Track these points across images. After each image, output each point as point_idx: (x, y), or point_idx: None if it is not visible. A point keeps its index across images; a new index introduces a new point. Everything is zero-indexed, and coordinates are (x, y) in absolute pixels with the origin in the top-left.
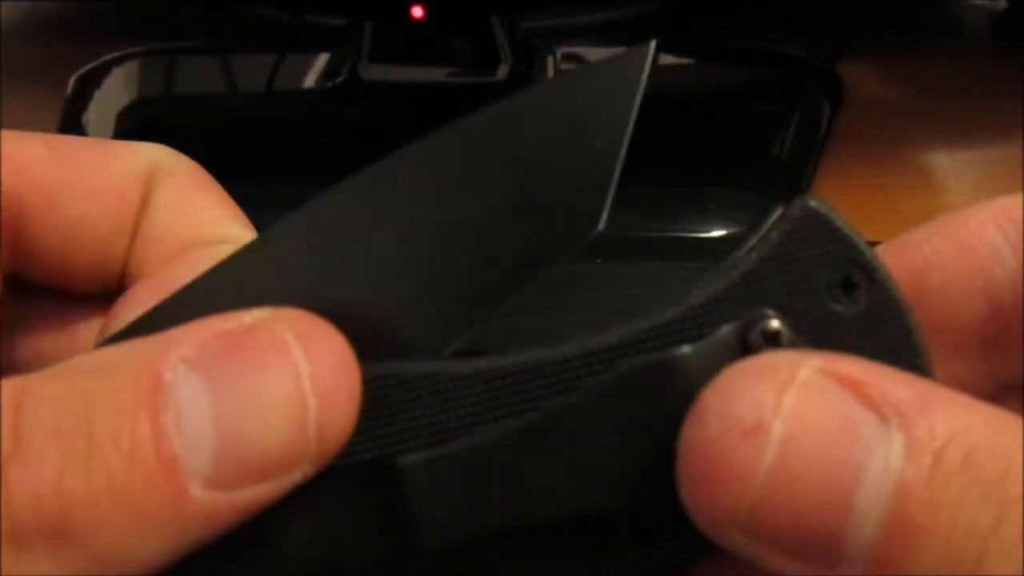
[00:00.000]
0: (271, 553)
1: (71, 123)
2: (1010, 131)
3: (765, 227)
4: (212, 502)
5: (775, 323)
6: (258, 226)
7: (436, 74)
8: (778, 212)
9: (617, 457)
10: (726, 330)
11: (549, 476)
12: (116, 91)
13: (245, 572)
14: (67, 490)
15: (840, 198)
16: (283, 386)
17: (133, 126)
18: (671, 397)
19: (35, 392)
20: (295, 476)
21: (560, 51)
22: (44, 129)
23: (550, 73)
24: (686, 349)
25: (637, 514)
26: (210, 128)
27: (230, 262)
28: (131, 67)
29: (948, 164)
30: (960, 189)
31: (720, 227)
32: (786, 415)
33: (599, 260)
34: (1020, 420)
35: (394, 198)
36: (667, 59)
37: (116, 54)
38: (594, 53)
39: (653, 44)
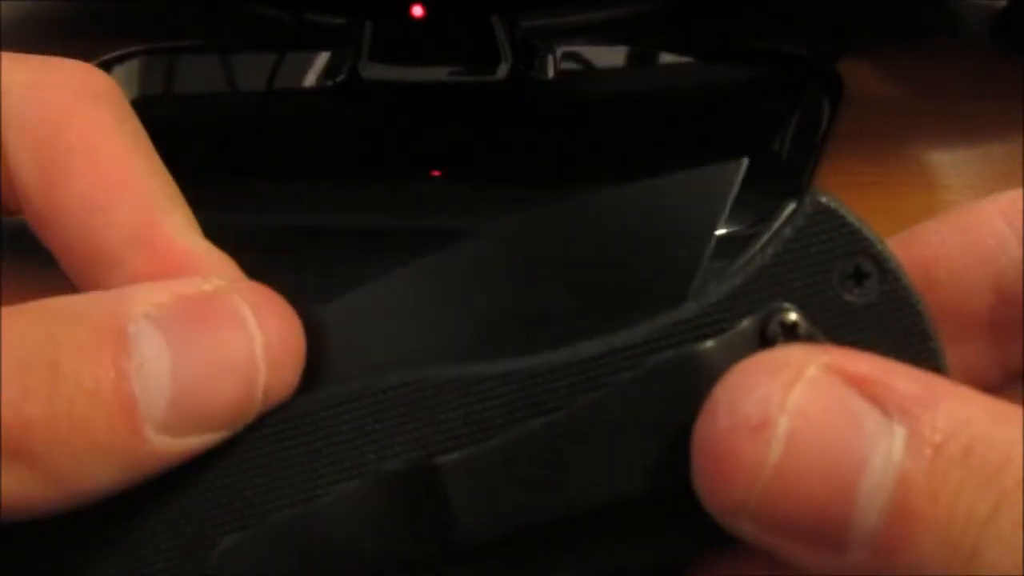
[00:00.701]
0: (315, 555)
1: None
2: (1010, 129)
3: (778, 223)
4: (162, 444)
5: (792, 315)
6: (260, 225)
7: (436, 73)
8: (790, 209)
9: (646, 449)
10: (746, 323)
11: (580, 472)
12: None
13: (290, 574)
14: (29, 414)
15: (840, 196)
16: (237, 352)
17: None
18: (696, 390)
19: (2, 325)
20: (238, 426)
21: (560, 50)
22: None
23: (550, 72)
24: (709, 344)
25: (667, 502)
26: (210, 127)
27: None
28: (131, 66)
29: (948, 162)
30: (960, 187)
31: (720, 225)
32: (791, 412)
33: None
34: (1020, 413)
35: (470, 277)
36: (667, 58)
37: (116, 53)
38: (594, 52)
39: (745, 162)
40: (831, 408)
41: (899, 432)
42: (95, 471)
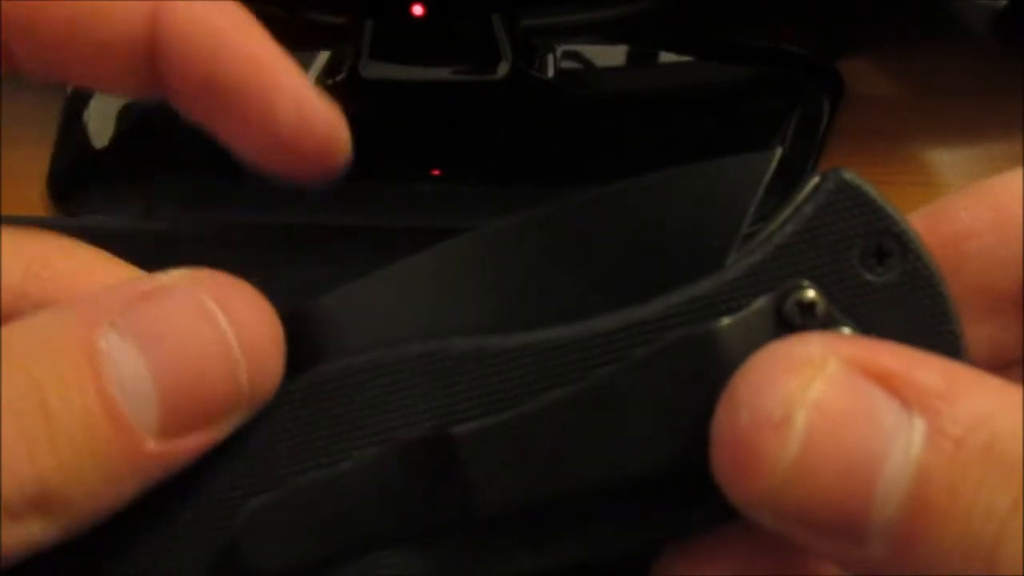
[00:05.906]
0: (336, 518)
1: (72, 121)
2: (1011, 127)
3: (799, 199)
4: (163, 450)
5: (810, 293)
6: (260, 224)
7: (436, 72)
8: (811, 184)
9: (660, 425)
10: (762, 301)
11: (595, 444)
12: None
13: (312, 548)
14: (41, 468)
15: None
16: (210, 346)
17: (134, 124)
18: (711, 368)
19: None
20: (234, 420)
21: (561, 49)
22: (44, 129)
23: (550, 71)
24: (724, 321)
25: (681, 478)
26: None
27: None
28: None
29: (948, 161)
30: (961, 185)
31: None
32: (810, 408)
33: None
34: None
35: (494, 261)
36: (667, 56)
37: None
38: (595, 51)
39: (779, 151)
40: (850, 404)
41: (919, 426)
42: (110, 492)
